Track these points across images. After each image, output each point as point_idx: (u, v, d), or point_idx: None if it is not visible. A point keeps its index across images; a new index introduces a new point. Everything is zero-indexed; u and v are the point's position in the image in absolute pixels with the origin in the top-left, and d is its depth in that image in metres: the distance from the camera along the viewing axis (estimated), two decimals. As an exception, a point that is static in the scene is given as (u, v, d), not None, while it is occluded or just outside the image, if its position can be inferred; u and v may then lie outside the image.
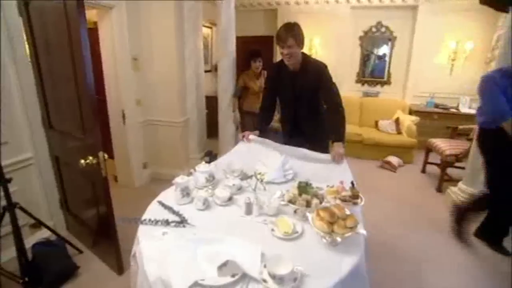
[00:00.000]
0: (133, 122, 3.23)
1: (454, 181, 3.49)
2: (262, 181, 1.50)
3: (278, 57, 5.77)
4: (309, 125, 2.22)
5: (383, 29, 5.14)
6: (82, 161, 1.85)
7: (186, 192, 1.55)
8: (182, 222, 1.37)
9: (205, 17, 4.18)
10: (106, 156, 1.88)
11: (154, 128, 3.51)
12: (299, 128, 2.25)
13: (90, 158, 1.87)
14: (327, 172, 1.88)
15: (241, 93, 3.61)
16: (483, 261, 2.39)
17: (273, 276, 1.01)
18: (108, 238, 2.08)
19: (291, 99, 2.15)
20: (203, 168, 1.76)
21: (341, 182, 1.54)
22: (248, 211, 1.47)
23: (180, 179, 1.55)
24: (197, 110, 3.63)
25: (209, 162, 3.82)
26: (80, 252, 2.32)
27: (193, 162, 3.76)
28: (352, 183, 1.51)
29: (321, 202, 1.42)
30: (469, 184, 2.99)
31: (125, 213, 2.07)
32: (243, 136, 2.17)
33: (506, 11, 2.78)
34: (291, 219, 1.38)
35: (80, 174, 2.10)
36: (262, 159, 2.02)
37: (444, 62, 4.82)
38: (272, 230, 1.33)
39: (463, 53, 4.65)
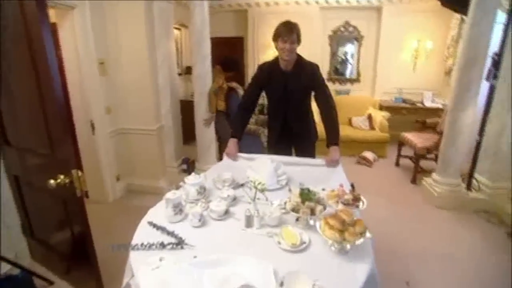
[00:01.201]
0: (103, 132, 2.96)
1: (426, 172, 3.68)
2: (263, 191, 1.41)
3: (249, 59, 5.75)
4: (298, 125, 2.19)
5: (351, 29, 5.31)
6: (52, 181, 1.62)
7: (179, 209, 1.41)
8: (179, 243, 1.24)
9: (174, 19, 3.98)
10: (80, 173, 1.67)
11: (127, 137, 3.26)
12: (288, 129, 2.20)
13: (62, 177, 1.64)
14: (321, 175, 1.85)
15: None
16: (468, 249, 2.53)
17: (293, 297, 0.93)
18: (86, 264, 1.86)
19: (282, 99, 2.10)
20: (193, 180, 1.63)
21: (341, 185, 1.51)
22: (249, 223, 1.38)
23: (171, 195, 1.42)
24: (172, 116, 3.44)
25: (187, 169, 3.69)
26: (51, 283, 2.05)
27: (170, 171, 3.58)
28: (352, 185, 1.48)
29: (324, 208, 1.37)
30: (442, 174, 3.17)
31: (101, 232, 1.88)
32: (227, 154, 2.08)
33: (465, 14, 2.97)
34: (296, 229, 1.32)
35: (48, 194, 1.85)
36: (253, 165, 1.94)
37: (407, 59, 5.10)
38: (279, 243, 1.25)
39: (424, 51, 4.95)
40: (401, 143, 4.15)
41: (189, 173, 3.58)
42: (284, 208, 1.47)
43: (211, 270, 1.05)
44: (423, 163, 3.81)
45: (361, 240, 1.16)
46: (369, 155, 4.38)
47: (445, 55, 4.84)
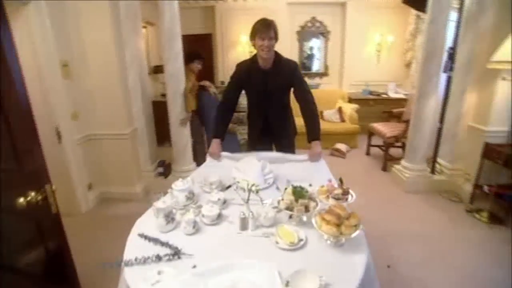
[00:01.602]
0: (71, 139, 2.75)
1: (395, 159, 3.93)
2: (257, 192, 1.41)
3: (218, 56, 5.66)
4: (279, 123, 2.21)
5: (317, 24, 5.45)
6: (22, 199, 1.47)
7: (171, 218, 1.36)
8: (176, 253, 1.20)
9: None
10: (54, 187, 1.54)
11: (97, 143, 3.06)
12: (268, 126, 2.22)
13: (33, 194, 1.49)
14: (305, 171, 1.90)
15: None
16: (436, 227, 2.75)
17: (302, 296, 0.95)
18: (65, 284, 1.73)
19: (263, 98, 2.10)
20: (181, 185, 1.59)
21: (329, 181, 1.55)
22: (244, 226, 1.38)
23: (161, 204, 1.36)
24: (145, 118, 3.29)
25: (163, 173, 3.57)
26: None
27: (146, 176, 3.43)
28: (340, 180, 1.54)
29: (317, 204, 1.41)
30: (410, 160, 3.41)
31: (76, 247, 1.75)
32: (210, 154, 2.07)
33: (424, 11, 3.19)
34: (291, 227, 1.34)
35: (14, 214, 1.68)
36: (239, 166, 1.93)
37: (372, 53, 5.37)
38: (277, 242, 1.26)
39: (386, 45, 5.25)
40: (370, 133, 4.38)
41: (166, 177, 3.55)
42: (276, 207, 1.49)
43: (216, 279, 1.03)
44: (392, 151, 4.06)
45: (357, 232, 1.21)
46: (341, 146, 4.56)
47: (405, 49, 5.17)
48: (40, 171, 1.49)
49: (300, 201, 1.37)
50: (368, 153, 4.52)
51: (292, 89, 2.11)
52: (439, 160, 3.43)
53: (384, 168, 3.95)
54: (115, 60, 2.81)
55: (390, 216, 2.90)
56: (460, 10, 2.97)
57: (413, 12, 4.76)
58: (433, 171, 3.44)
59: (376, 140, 4.37)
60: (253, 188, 1.38)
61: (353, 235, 1.21)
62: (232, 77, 2.15)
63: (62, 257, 1.66)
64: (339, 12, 5.33)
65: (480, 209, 2.86)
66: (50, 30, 2.42)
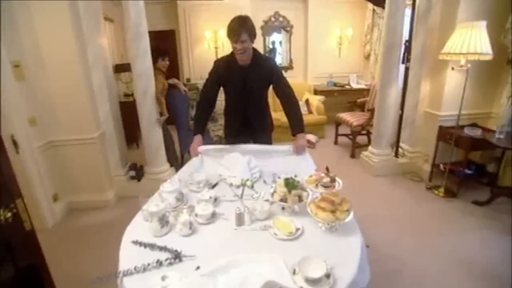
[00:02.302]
0: (30, 148, 2.49)
1: (362, 146, 4.20)
2: (252, 187, 1.43)
3: (183, 52, 5.49)
4: (258, 120, 2.21)
5: (281, 19, 5.53)
6: (-12, 218, 1.32)
7: (165, 221, 1.32)
8: (177, 256, 1.17)
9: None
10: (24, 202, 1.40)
11: (60, 150, 2.82)
12: (247, 124, 2.21)
13: (0, 211, 1.35)
14: (290, 163, 1.94)
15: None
16: (402, 205, 3.00)
17: (311, 280, 0.99)
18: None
19: (242, 94, 2.08)
20: (170, 187, 1.54)
21: (316, 170, 1.62)
22: (240, 221, 1.39)
23: (154, 207, 1.31)
24: (114, 120, 3.10)
25: (135, 176, 3.41)
26: None
27: (117, 180, 3.25)
28: (327, 168, 1.61)
29: (309, 194, 1.47)
30: (376, 146, 3.67)
31: (53, 265, 1.61)
32: (192, 151, 2.02)
33: (383, 6, 3.41)
34: (286, 217, 1.38)
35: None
36: (224, 162, 1.92)
37: (333, 46, 5.61)
38: (275, 234, 1.30)
39: (346, 38, 5.51)
40: (337, 123, 4.60)
41: (139, 180, 3.41)
42: (268, 200, 1.52)
43: (224, 276, 1.03)
44: (358, 139, 4.32)
45: (351, 216, 1.29)
46: (311, 137, 4.73)
47: (363, 42, 5.48)
48: (8, 185, 1.35)
49: (293, 192, 1.42)
50: (336, 143, 4.75)
51: (271, 86, 2.12)
52: (401, 144, 3.74)
53: (353, 155, 4.20)
54: (77, 60, 2.59)
55: (363, 200, 3.11)
56: (413, 7, 3.24)
57: (370, 7, 5.06)
58: (396, 154, 3.73)
59: (342, 129, 4.60)
60: (248, 183, 1.39)
61: (347, 219, 1.29)
62: (210, 74, 2.10)
63: (40, 278, 1.52)
64: (301, 7, 5.46)
65: (438, 186, 3.18)
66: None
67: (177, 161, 3.73)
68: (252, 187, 1.44)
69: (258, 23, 5.47)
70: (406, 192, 3.26)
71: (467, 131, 2.95)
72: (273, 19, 5.52)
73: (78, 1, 2.58)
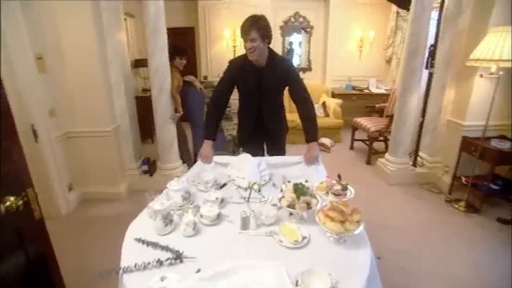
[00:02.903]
0: (48, 138, 2.57)
1: (379, 153, 4.06)
2: (259, 191, 1.39)
3: (201, 49, 5.52)
4: (272, 122, 2.15)
5: (301, 19, 5.45)
6: (0, 206, 1.35)
7: (169, 220, 1.31)
8: (178, 257, 1.15)
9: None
10: (36, 191, 1.42)
11: (77, 142, 2.89)
12: (261, 125, 2.16)
13: (12, 199, 1.37)
14: (301, 169, 1.89)
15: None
16: (419, 216, 2.87)
17: (313, 295, 0.94)
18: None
19: (256, 95, 2.03)
20: (176, 185, 1.52)
21: (328, 177, 1.56)
22: (245, 225, 1.35)
23: (159, 205, 1.30)
24: (129, 114, 3.14)
25: (148, 171, 3.45)
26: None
27: (130, 174, 3.30)
28: (339, 176, 1.55)
29: (318, 201, 1.41)
30: (394, 154, 3.52)
31: (62, 252, 1.64)
32: (202, 156, 1.98)
33: (407, 9, 3.27)
34: (293, 224, 1.33)
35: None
36: (233, 163, 1.89)
37: (354, 48, 5.46)
38: (280, 241, 1.25)
39: (368, 41, 5.36)
40: (354, 128, 4.47)
41: (151, 175, 3.44)
42: (276, 205, 1.47)
43: (224, 282, 1.00)
44: (375, 145, 4.18)
45: (361, 228, 1.22)
46: (326, 141, 4.63)
47: (386, 45, 5.31)
48: (20, 174, 1.37)
49: (302, 198, 1.37)
50: (352, 147, 4.62)
51: (287, 89, 2.05)
52: (420, 153, 3.58)
53: (369, 162, 4.06)
54: (96, 53, 2.64)
55: (376, 208, 2.99)
56: (441, 9, 3.08)
57: (394, 9, 4.89)
58: (414, 164, 3.58)
59: (359, 135, 4.47)
60: (255, 187, 1.35)
61: (357, 231, 1.22)
62: (224, 73, 2.05)
63: (47, 267, 1.54)
64: (322, 8, 5.36)
65: (458, 199, 3.02)
66: (21, 18, 2.22)
67: (190, 158, 3.74)
68: (259, 191, 1.39)
69: (277, 23, 5.42)
70: (423, 203, 3.11)
71: (495, 143, 2.77)
72: (293, 19, 5.45)
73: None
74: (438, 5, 3.16)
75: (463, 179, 3.02)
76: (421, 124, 3.45)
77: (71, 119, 2.80)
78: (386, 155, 3.63)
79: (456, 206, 2.97)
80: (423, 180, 3.48)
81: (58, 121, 2.71)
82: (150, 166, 3.50)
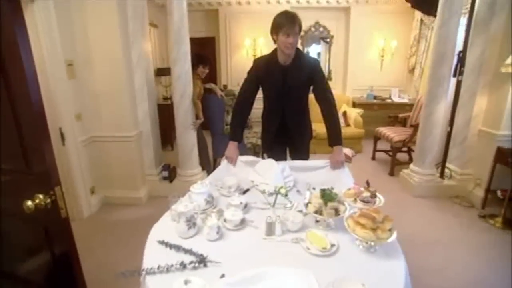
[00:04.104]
0: (74, 141, 2.65)
1: (402, 164, 3.90)
2: (286, 195, 1.34)
3: (222, 59, 5.62)
4: (296, 124, 2.11)
5: (321, 29, 5.45)
6: (30, 202, 1.37)
7: (192, 223, 1.28)
8: (201, 261, 1.11)
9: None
10: (62, 190, 1.44)
11: (101, 146, 2.96)
12: (285, 128, 2.11)
13: (41, 197, 1.39)
14: (327, 175, 1.83)
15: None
16: (449, 233, 2.69)
17: (348, 307, 0.87)
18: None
19: (281, 95, 1.99)
20: (200, 188, 1.50)
21: (356, 183, 1.49)
22: (270, 231, 1.30)
23: (183, 207, 1.27)
24: (151, 121, 3.20)
25: (168, 177, 3.48)
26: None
27: (150, 180, 3.33)
28: (367, 182, 1.47)
29: (346, 208, 1.34)
30: (419, 165, 3.36)
31: (84, 253, 1.65)
32: (228, 158, 1.96)
33: (433, 15, 3.18)
34: (320, 231, 1.27)
35: (22, 218, 1.57)
36: (257, 168, 1.85)
37: (375, 58, 5.37)
38: (308, 248, 1.19)
39: (390, 50, 5.26)
40: (376, 138, 4.34)
41: (171, 181, 3.45)
42: (301, 211, 1.42)
43: (250, 288, 0.95)
44: (398, 156, 4.02)
45: (394, 236, 1.14)
46: (347, 151, 4.42)
47: (408, 54, 5.19)
48: (50, 173, 1.40)
49: (330, 204, 1.30)
50: (373, 158, 4.47)
51: (311, 89, 2.01)
52: (448, 164, 3.40)
53: (392, 173, 3.91)
54: (122, 61, 2.73)
55: (401, 221, 2.81)
56: (470, 14, 2.97)
57: (417, 17, 4.79)
58: (442, 175, 3.40)
59: (381, 145, 4.33)
60: (282, 191, 1.31)
61: (390, 239, 1.14)
62: (249, 73, 2.03)
63: (71, 266, 1.55)
64: (343, 17, 5.35)
65: (494, 215, 2.81)
66: (56, 28, 2.34)
67: (209, 165, 3.74)
68: (286, 195, 1.34)
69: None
70: (453, 217, 2.92)
71: (532, 154, 2.59)
72: (313, 29, 5.46)
73: (126, 5, 2.74)
74: (467, 10, 3.05)
75: (499, 192, 2.82)
76: (449, 134, 3.29)
77: (96, 124, 2.88)
78: (411, 165, 3.47)
79: (492, 222, 2.76)
80: (452, 193, 3.28)
81: (84, 125, 2.79)
82: (170, 172, 3.52)
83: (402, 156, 4.09)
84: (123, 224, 2.80)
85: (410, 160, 3.84)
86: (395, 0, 4.69)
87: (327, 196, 1.31)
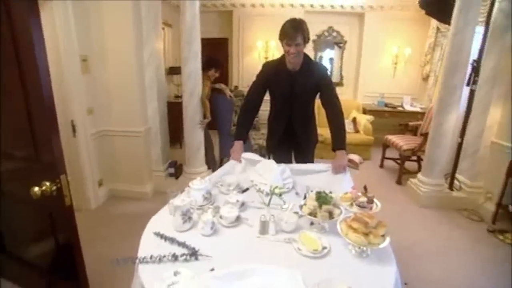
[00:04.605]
0: (85, 134, 2.74)
1: (410, 173, 3.82)
2: (280, 195, 1.35)
3: (234, 60, 5.68)
4: (302, 129, 2.12)
5: (334, 34, 5.43)
6: (36, 188, 1.44)
7: (188, 217, 1.31)
8: (193, 254, 1.14)
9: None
10: (68, 179, 1.51)
11: (110, 140, 3.05)
12: (291, 132, 2.13)
13: (47, 184, 1.46)
14: (327, 179, 1.82)
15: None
16: (455, 246, 2.62)
17: (331, 308, 0.87)
18: (71, 280, 1.68)
19: (288, 100, 2.01)
20: (198, 184, 1.53)
21: (353, 188, 1.48)
22: (264, 230, 1.31)
23: (179, 202, 1.31)
24: (160, 118, 3.27)
25: (174, 174, 3.54)
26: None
27: (156, 176, 3.40)
28: (365, 187, 1.46)
29: (341, 212, 1.34)
30: (427, 175, 3.29)
31: (85, 242, 1.71)
32: (233, 156, 1.98)
33: (448, 23, 3.12)
34: (313, 234, 1.27)
35: (28, 204, 1.65)
36: (257, 169, 1.87)
37: (388, 65, 5.30)
38: (299, 249, 1.19)
39: (403, 57, 5.18)
40: (385, 145, 4.27)
41: (177, 178, 3.51)
42: (297, 213, 1.42)
43: (235, 283, 0.97)
44: (407, 165, 3.95)
45: (386, 242, 1.13)
46: (355, 157, 4.46)
47: (423, 62, 5.09)
48: (57, 162, 1.46)
49: (324, 207, 1.30)
50: (382, 166, 4.41)
51: (318, 94, 2.02)
52: (458, 176, 3.31)
53: (399, 182, 3.84)
54: (133, 58, 2.81)
55: (405, 230, 2.79)
56: (487, 23, 2.90)
57: (433, 25, 4.71)
58: (451, 187, 3.31)
59: (390, 153, 4.26)
60: (276, 191, 1.32)
61: (382, 245, 1.13)
62: (257, 76, 2.06)
63: (72, 252, 1.61)
64: (356, 22, 5.31)
65: (504, 230, 2.72)
66: (73, 25, 2.44)
67: (215, 164, 3.78)
68: (280, 195, 1.35)
69: (310, 37, 5.40)
70: (460, 230, 2.84)
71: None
72: (326, 33, 5.45)
73: (140, 4, 2.83)
74: (484, 19, 2.98)
75: (511, 207, 2.73)
76: (460, 145, 3.21)
77: (106, 118, 2.97)
78: (419, 175, 3.40)
79: (501, 237, 2.67)
80: (460, 205, 3.20)
81: (95, 119, 2.88)
82: (176, 169, 3.58)
83: (411, 165, 4.02)
84: (128, 217, 2.86)
85: (419, 169, 3.77)
86: (411, 7, 4.62)
87: (322, 198, 1.31)
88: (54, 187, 1.45)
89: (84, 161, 2.77)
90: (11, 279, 2.04)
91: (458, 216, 3.10)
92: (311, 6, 5.14)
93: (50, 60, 2.43)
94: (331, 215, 1.30)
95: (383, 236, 1.17)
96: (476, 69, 2.99)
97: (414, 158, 3.92)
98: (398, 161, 3.98)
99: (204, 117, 3.33)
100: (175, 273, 1.04)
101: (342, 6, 5.09)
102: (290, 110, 2.05)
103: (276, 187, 1.35)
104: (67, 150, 2.68)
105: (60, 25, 2.38)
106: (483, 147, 3.12)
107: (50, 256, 1.79)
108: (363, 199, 1.39)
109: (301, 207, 1.37)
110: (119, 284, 1.73)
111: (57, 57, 2.43)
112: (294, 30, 1.78)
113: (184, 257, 1.13)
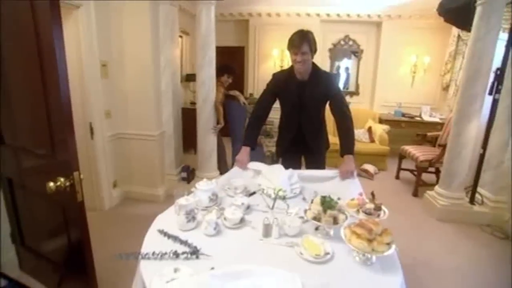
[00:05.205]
0: (102, 136, 2.85)
1: (427, 185, 3.67)
2: (284, 199, 1.34)
3: (250, 68, 5.76)
4: (312, 136, 2.13)
5: (350, 42, 5.40)
6: (52, 183, 1.51)
7: (192, 216, 1.32)
8: (194, 252, 1.15)
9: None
10: (81, 176, 1.57)
11: (126, 143, 3.15)
12: (301, 139, 2.14)
13: (62, 180, 1.53)
14: (335, 185, 1.79)
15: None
16: (476, 263, 2.47)
17: (329, 313, 0.85)
18: (81, 275, 1.73)
19: (297, 109, 2.04)
20: (205, 185, 1.55)
21: (360, 194, 1.45)
22: (267, 233, 1.30)
23: (184, 201, 1.33)
24: (174, 123, 3.35)
25: (186, 178, 3.59)
26: (41, 296, 1.90)
27: (169, 179, 3.46)
28: (372, 194, 1.42)
29: (346, 217, 1.31)
30: (445, 187, 3.15)
31: (96, 241, 1.75)
32: (238, 162, 2.00)
33: (468, 30, 3.03)
34: (317, 239, 1.24)
35: (44, 199, 1.73)
36: (264, 173, 1.87)
37: (406, 74, 5.18)
38: (301, 253, 1.17)
39: (422, 66, 5.05)
40: (401, 156, 4.14)
41: (189, 182, 3.55)
42: (302, 217, 1.40)
43: (233, 283, 0.96)
44: (424, 176, 3.80)
45: (391, 250, 1.09)
46: (369, 167, 4.36)
47: (443, 71, 4.94)
48: (71, 159, 1.53)
49: (329, 212, 1.28)
50: (397, 177, 4.26)
51: (328, 103, 2.03)
52: (479, 189, 3.15)
53: (415, 194, 3.69)
54: (150, 64, 2.92)
55: (421, 244, 2.66)
56: (511, 30, 2.79)
57: (454, 33, 4.58)
58: (472, 201, 3.15)
59: (406, 164, 4.13)
60: (280, 193, 1.31)
61: (386, 253, 1.09)
62: (268, 85, 2.11)
63: (82, 247, 1.66)
64: (373, 31, 5.26)
65: (531, 248, 2.54)
66: (95, 32, 2.58)
67: (226, 170, 3.81)
68: (284, 198, 1.34)
69: (326, 46, 5.43)
70: (481, 247, 2.68)
71: None
72: (342, 42, 5.43)
73: (159, 12, 2.95)
74: (509, 26, 2.87)
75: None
76: (482, 157, 3.06)
77: (123, 121, 3.08)
78: (436, 187, 3.26)
79: (528, 257, 2.49)
80: (482, 220, 3.03)
81: (112, 122, 2.99)
82: (189, 173, 3.64)
83: (428, 177, 3.86)
84: (140, 218, 2.86)
85: (438, 181, 3.61)
86: (430, 15, 4.52)
87: (326, 203, 1.29)
88: (68, 183, 1.52)
89: (100, 162, 2.88)
90: (27, 272, 2.13)
91: (480, 232, 2.93)
92: (327, 15, 5.16)
93: (72, 66, 2.59)
94: (335, 220, 1.27)
95: (388, 244, 1.13)
96: (499, 77, 2.87)
97: (432, 169, 3.77)
98: (415, 173, 3.84)
99: (218, 122, 3.38)
100: (175, 270, 1.05)
101: (358, 15, 5.07)
102: (299, 118, 2.07)
103: (280, 189, 1.34)
104: (84, 151, 2.82)
105: (83, 32, 2.52)
106: (508, 159, 2.96)
107: (62, 250, 1.86)
108: (370, 205, 1.36)
109: (305, 211, 1.35)
110: (125, 281, 1.75)
111: (79, 63, 2.57)
112: (300, 39, 1.84)
113: (185, 255, 1.14)
